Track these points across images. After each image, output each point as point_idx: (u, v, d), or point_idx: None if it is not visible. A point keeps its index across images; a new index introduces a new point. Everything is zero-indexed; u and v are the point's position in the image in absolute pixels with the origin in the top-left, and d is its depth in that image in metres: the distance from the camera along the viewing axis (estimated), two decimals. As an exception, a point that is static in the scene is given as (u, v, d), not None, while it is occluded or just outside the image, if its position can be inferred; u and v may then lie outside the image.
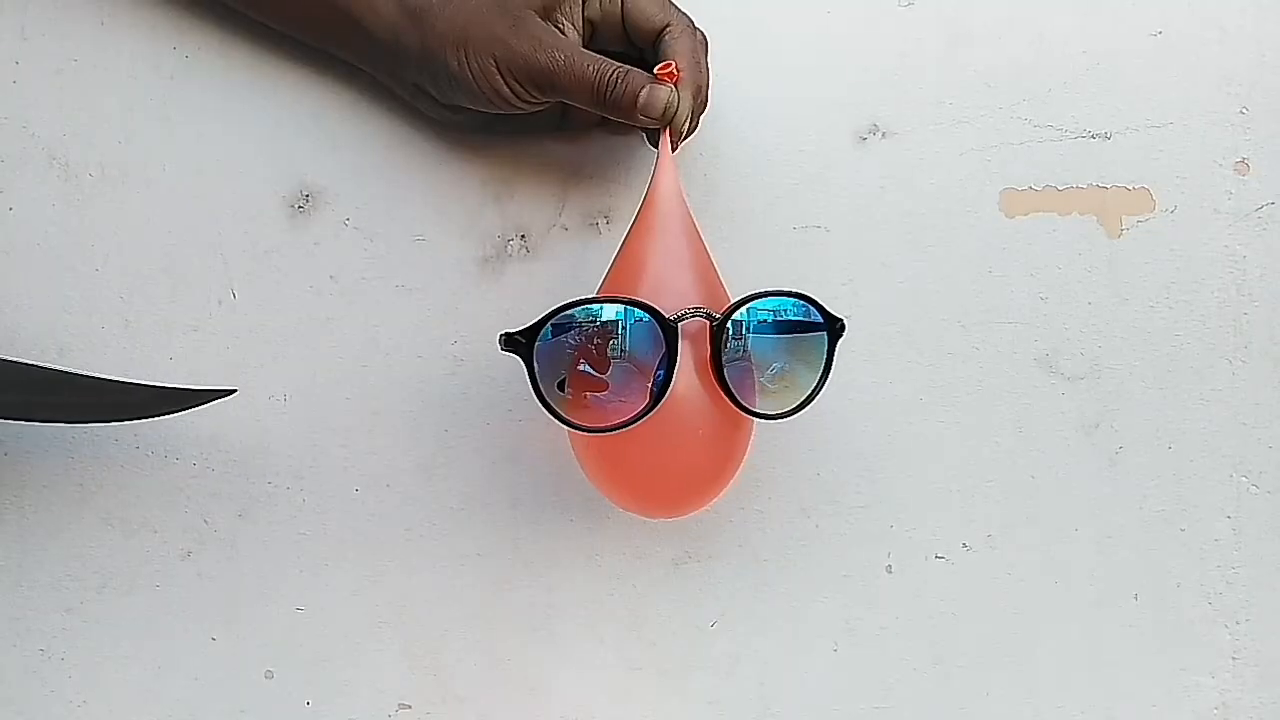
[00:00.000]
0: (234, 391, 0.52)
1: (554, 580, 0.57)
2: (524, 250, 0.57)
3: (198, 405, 0.51)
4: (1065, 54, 0.58)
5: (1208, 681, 0.58)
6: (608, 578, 0.57)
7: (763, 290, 0.48)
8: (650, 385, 0.47)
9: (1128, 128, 0.58)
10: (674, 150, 0.51)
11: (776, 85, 0.58)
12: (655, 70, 0.50)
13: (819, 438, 0.57)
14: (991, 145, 0.58)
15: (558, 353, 0.47)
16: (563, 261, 0.56)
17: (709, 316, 0.47)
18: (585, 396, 0.48)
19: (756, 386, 0.49)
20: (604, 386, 0.48)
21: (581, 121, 0.55)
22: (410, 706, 0.56)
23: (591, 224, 0.57)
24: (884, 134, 0.58)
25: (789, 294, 0.49)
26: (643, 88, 0.49)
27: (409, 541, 0.56)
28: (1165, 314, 0.58)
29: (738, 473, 0.51)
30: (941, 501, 0.58)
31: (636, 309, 0.47)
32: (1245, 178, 0.59)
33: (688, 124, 0.51)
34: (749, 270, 0.57)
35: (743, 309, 0.48)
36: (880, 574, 0.58)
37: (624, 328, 0.47)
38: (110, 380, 0.50)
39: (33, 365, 0.50)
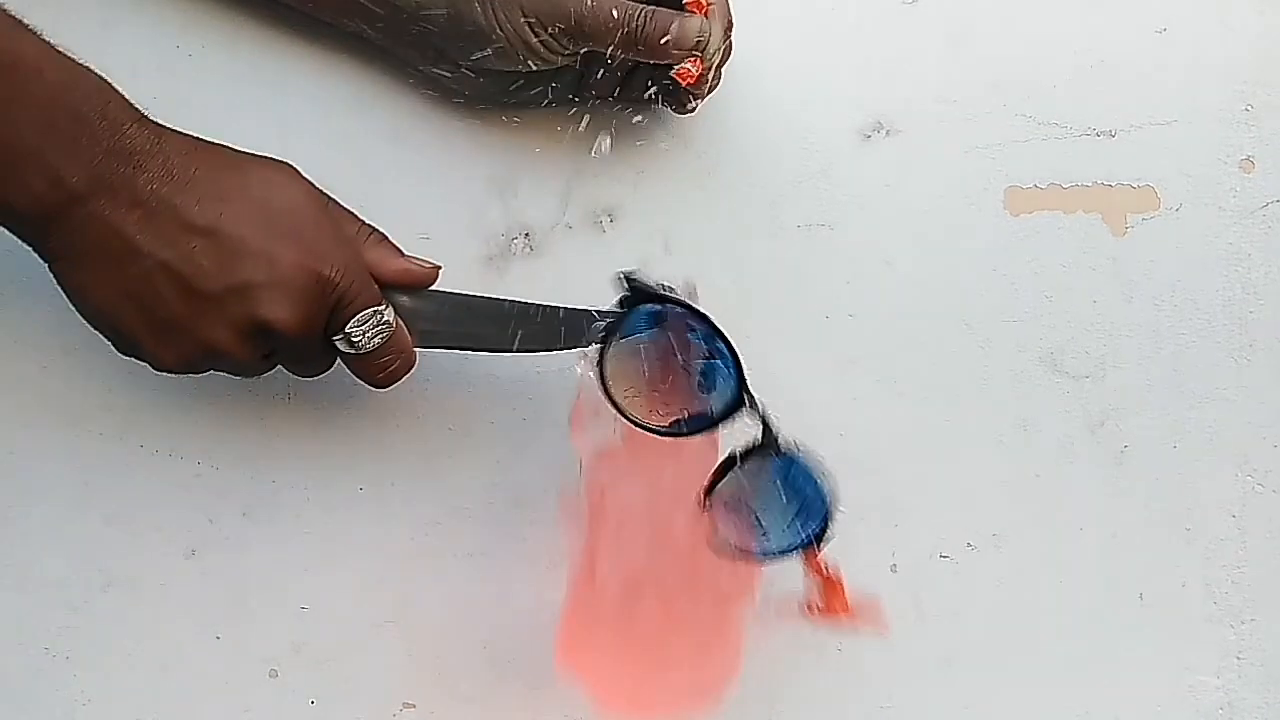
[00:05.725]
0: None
1: (559, 579, 0.57)
2: (528, 249, 0.56)
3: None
4: (1069, 51, 0.58)
5: (1213, 681, 0.58)
6: (612, 577, 0.57)
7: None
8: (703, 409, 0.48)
9: (1132, 125, 0.58)
10: (694, 110, 0.52)
11: (779, 83, 0.57)
12: (684, 4, 0.50)
13: (821, 436, 0.57)
14: (996, 143, 0.58)
15: (639, 340, 0.48)
16: (567, 260, 0.56)
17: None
18: (645, 391, 0.49)
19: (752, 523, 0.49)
20: (668, 391, 0.48)
21: (598, 90, 0.54)
22: (414, 705, 0.56)
23: (595, 222, 0.57)
24: (888, 132, 0.58)
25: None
26: (672, 21, 0.49)
27: (413, 540, 0.56)
28: (1170, 312, 0.58)
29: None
30: (946, 501, 0.58)
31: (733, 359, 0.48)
32: (1250, 175, 0.58)
33: (713, 75, 0.50)
34: (752, 268, 0.56)
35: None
36: (884, 573, 0.58)
37: (711, 358, 0.48)
38: (554, 307, 0.50)
39: (473, 296, 0.50)
